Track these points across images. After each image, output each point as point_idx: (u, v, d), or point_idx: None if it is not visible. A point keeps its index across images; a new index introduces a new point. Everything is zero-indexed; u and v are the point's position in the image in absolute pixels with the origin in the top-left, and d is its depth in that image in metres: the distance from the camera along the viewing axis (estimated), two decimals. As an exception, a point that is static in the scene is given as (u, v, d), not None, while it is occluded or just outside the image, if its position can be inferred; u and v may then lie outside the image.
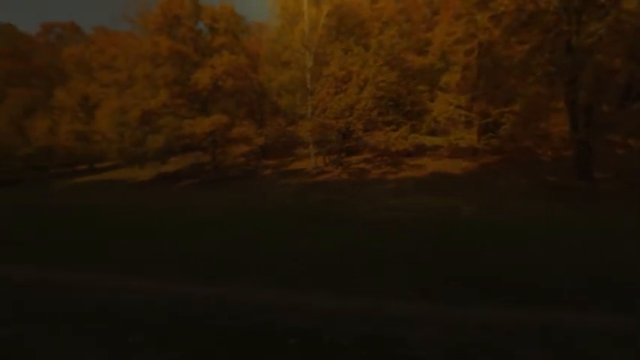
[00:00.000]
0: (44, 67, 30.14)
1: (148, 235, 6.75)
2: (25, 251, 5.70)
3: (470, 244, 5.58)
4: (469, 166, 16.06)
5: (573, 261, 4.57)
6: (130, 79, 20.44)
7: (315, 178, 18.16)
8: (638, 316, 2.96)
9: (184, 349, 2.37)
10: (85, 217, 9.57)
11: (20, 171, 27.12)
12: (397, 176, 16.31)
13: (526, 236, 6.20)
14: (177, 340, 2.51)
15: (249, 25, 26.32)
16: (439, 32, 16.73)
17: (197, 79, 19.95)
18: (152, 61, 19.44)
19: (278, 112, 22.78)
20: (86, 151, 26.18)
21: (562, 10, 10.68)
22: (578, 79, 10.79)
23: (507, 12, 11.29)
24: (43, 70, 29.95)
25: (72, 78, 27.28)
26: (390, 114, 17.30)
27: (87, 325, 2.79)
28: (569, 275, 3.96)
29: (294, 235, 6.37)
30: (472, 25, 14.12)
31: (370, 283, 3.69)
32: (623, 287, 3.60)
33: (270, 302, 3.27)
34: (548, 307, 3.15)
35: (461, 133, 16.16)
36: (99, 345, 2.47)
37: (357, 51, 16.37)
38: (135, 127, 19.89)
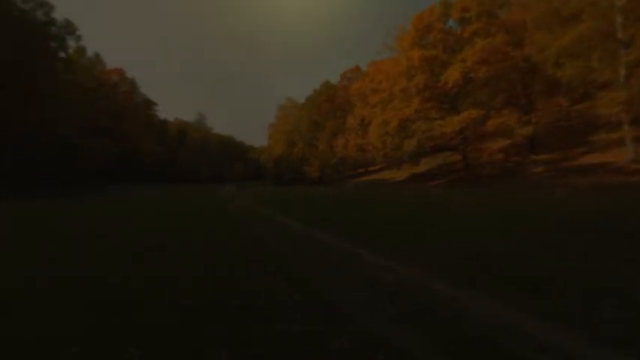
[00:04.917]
0: (342, 102, 44.01)
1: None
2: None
3: None
4: None
5: None
6: (391, 95, 24.44)
7: (632, 177, 11.55)
8: None
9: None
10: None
11: (329, 175, 41.84)
12: None
13: None
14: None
15: (510, -5, 21.92)
16: None
17: (446, 78, 19.94)
18: (407, 74, 22.01)
19: (555, 90, 17.00)
20: (363, 158, 35.08)
21: None
22: None
23: None
24: (341, 105, 43.89)
25: (355, 106, 37.55)
26: None
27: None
28: None
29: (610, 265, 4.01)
30: None
31: None
32: None
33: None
34: None
35: None
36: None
37: None
38: (393, 134, 23.52)
